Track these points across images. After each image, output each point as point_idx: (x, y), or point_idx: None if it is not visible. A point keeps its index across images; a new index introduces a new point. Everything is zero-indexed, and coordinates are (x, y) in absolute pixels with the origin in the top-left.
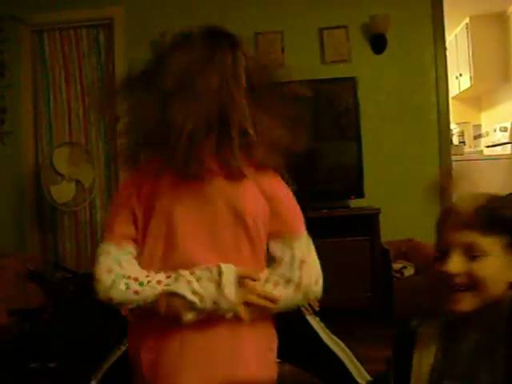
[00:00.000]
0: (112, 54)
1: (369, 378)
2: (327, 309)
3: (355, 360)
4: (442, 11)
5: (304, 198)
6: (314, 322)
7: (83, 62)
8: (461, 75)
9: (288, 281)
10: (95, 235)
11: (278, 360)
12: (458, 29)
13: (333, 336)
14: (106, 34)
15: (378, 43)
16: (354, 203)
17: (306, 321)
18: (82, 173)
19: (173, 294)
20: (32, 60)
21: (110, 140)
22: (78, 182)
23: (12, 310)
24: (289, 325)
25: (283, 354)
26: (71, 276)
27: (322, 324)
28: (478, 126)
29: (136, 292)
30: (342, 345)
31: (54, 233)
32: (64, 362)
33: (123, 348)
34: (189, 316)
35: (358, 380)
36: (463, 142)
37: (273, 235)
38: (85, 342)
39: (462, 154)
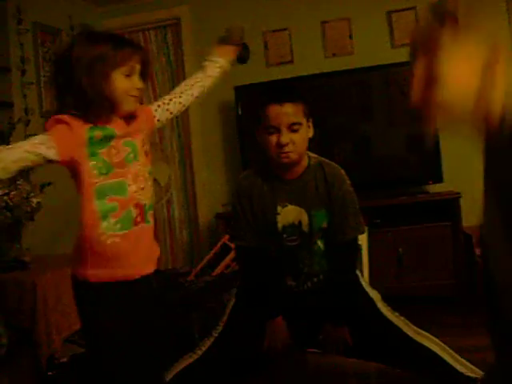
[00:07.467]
0: (181, 53)
1: (470, 365)
2: (410, 297)
3: (449, 349)
4: None
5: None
6: (394, 318)
7: (153, 62)
8: None
9: None
10: (174, 232)
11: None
12: None
13: (417, 329)
14: (173, 34)
15: None
16: (433, 188)
17: (386, 318)
18: (158, 171)
19: None
20: None
21: None
22: (154, 180)
23: None
24: (368, 325)
25: (369, 354)
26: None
27: (403, 318)
28: None
29: None
30: (430, 336)
31: None
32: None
33: (199, 352)
34: None
35: (460, 369)
36: None
37: None
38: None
39: None
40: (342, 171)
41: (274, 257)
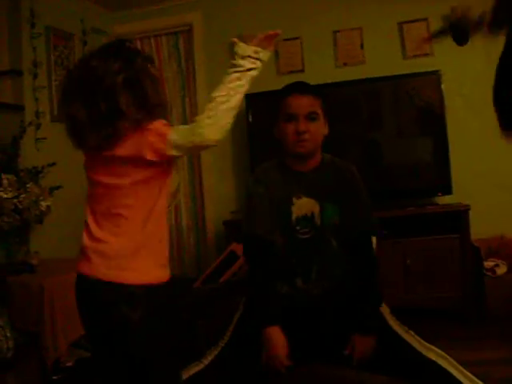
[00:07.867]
0: (192, 59)
1: (475, 379)
2: (417, 309)
3: (455, 362)
4: None
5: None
6: (402, 332)
7: (164, 68)
8: None
9: None
10: (181, 239)
11: None
12: None
13: (424, 342)
14: (185, 40)
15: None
16: (443, 200)
17: (394, 332)
18: None
19: None
20: None
21: None
22: None
23: None
24: (377, 338)
25: (376, 366)
26: None
27: (412, 332)
28: None
29: None
30: (437, 349)
31: None
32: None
33: (205, 362)
34: None
35: (466, 383)
36: None
37: None
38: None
39: None
40: (354, 168)
41: (285, 253)
